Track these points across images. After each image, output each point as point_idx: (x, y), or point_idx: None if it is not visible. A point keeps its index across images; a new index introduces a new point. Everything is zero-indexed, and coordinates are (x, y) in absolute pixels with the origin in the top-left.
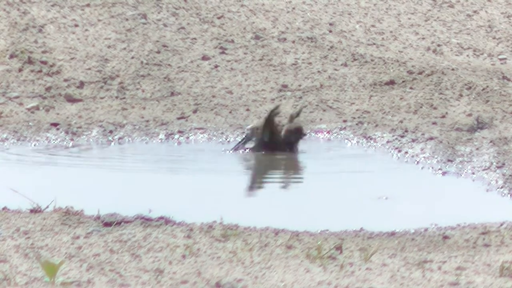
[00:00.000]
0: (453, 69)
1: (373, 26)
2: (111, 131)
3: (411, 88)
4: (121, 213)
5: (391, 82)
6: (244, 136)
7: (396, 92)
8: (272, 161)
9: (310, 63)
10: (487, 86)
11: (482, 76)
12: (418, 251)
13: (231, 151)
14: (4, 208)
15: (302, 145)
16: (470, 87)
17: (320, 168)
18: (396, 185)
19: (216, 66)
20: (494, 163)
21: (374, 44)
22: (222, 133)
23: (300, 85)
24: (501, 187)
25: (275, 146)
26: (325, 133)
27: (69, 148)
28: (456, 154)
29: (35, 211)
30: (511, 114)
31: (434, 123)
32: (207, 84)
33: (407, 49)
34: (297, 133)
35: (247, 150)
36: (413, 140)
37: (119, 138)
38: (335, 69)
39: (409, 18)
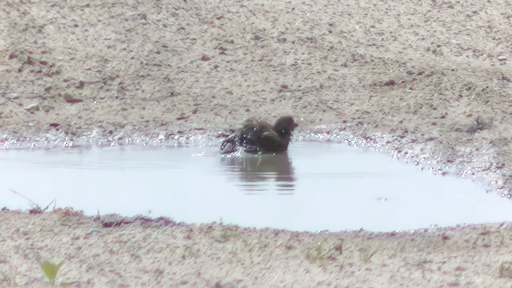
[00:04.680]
0: (452, 70)
1: (373, 26)
2: (111, 132)
3: (411, 88)
4: (120, 214)
5: (391, 83)
6: (233, 136)
7: (396, 93)
8: (271, 162)
9: (309, 64)
10: (487, 87)
11: (481, 77)
12: (418, 252)
13: (223, 153)
14: (3, 209)
15: (301, 146)
16: (469, 88)
17: (320, 169)
18: (395, 186)
19: (215, 67)
20: (494, 164)
21: (374, 44)
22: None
23: (300, 86)
24: (501, 188)
25: (271, 145)
26: (324, 133)
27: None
28: (456, 155)
29: (34, 211)
30: (511, 114)
31: (434, 123)
32: (207, 85)
33: (406, 49)
34: (288, 123)
35: (243, 151)
36: (413, 141)
37: (119, 139)
38: (335, 70)
39: (409, 19)
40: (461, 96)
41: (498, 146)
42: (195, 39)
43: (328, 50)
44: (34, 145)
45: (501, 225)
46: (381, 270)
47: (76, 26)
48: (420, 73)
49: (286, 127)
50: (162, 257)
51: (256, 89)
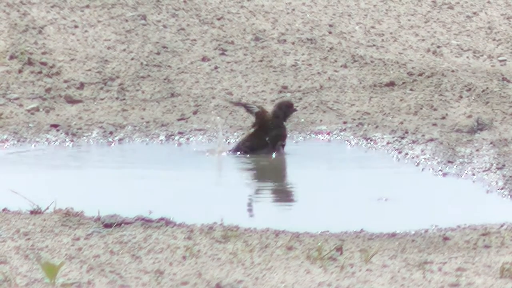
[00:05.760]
0: (453, 71)
1: (373, 27)
2: (111, 132)
3: (411, 89)
4: (121, 214)
5: (391, 84)
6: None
7: (396, 94)
8: (271, 162)
9: (310, 65)
10: (487, 88)
11: (482, 78)
12: (419, 252)
13: (230, 153)
14: (4, 209)
15: (302, 147)
16: (470, 89)
17: (320, 169)
18: (396, 186)
19: (216, 68)
20: (494, 165)
21: (374, 45)
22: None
23: (300, 87)
24: (501, 188)
25: (267, 143)
26: (325, 134)
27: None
28: (456, 156)
29: (35, 212)
30: (511, 115)
31: (434, 124)
32: (207, 85)
33: (407, 50)
34: (288, 107)
35: (242, 152)
36: (413, 142)
37: (119, 139)
38: (335, 71)
39: (409, 20)
40: (461, 97)
41: (498, 147)
42: (195, 40)
43: (328, 51)
44: (34, 146)
45: (502, 226)
46: (382, 271)
47: (76, 27)
48: (420, 74)
49: (285, 111)
50: (162, 258)
51: (256, 90)
